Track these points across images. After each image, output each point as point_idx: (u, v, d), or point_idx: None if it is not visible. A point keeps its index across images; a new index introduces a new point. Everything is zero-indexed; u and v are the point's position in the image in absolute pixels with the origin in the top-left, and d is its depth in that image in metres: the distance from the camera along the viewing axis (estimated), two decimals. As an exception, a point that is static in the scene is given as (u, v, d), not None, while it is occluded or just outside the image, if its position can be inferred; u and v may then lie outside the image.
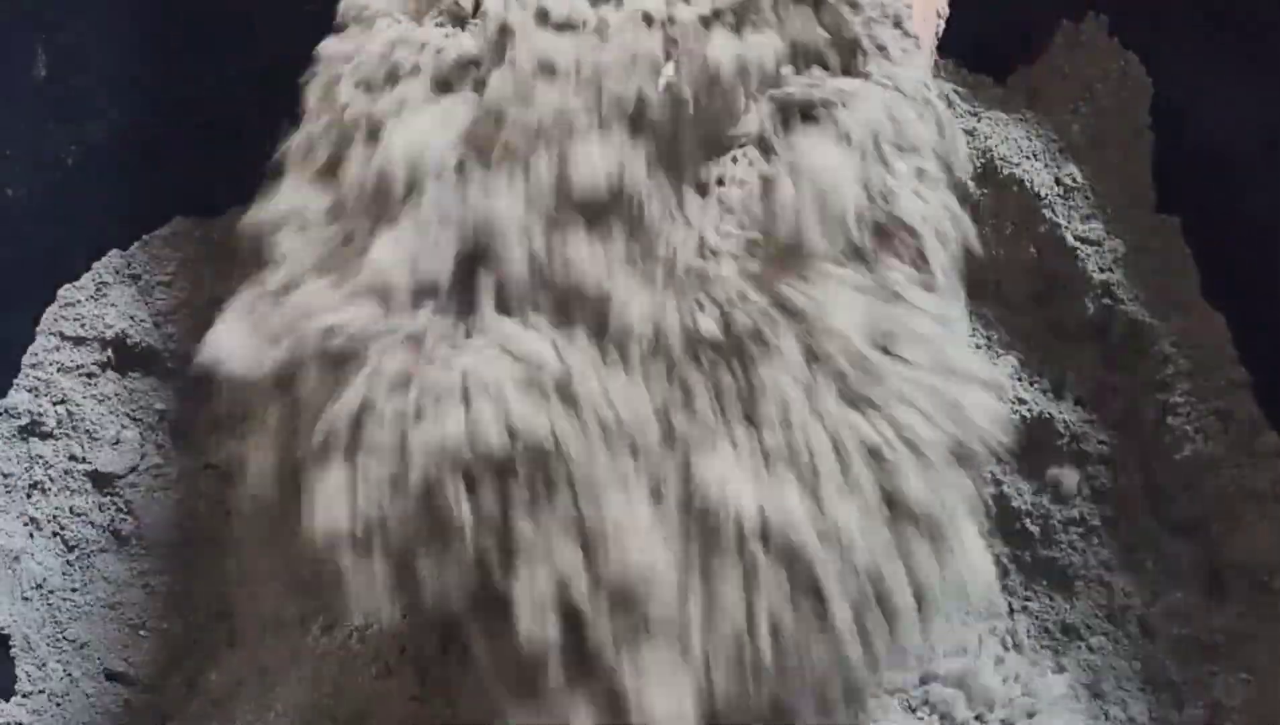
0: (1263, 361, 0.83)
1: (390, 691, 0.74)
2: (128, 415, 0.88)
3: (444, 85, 0.58)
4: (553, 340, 0.54)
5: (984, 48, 0.93)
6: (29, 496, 0.83)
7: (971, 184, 0.86)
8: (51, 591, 0.82)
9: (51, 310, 0.86)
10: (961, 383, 0.55)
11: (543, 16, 0.57)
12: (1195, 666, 0.78)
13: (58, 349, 0.86)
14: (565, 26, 0.57)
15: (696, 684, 0.51)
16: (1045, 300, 0.88)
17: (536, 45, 0.56)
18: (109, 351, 0.87)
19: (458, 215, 0.55)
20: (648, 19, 0.56)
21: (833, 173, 0.55)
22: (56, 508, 0.84)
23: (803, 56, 0.58)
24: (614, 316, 0.54)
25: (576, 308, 0.55)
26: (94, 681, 0.79)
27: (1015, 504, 0.84)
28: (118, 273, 0.89)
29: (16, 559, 0.81)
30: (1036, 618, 0.80)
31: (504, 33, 0.57)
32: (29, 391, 0.84)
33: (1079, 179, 0.86)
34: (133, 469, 0.87)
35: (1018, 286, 0.87)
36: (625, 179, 0.55)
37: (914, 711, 0.74)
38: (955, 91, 0.90)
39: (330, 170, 0.59)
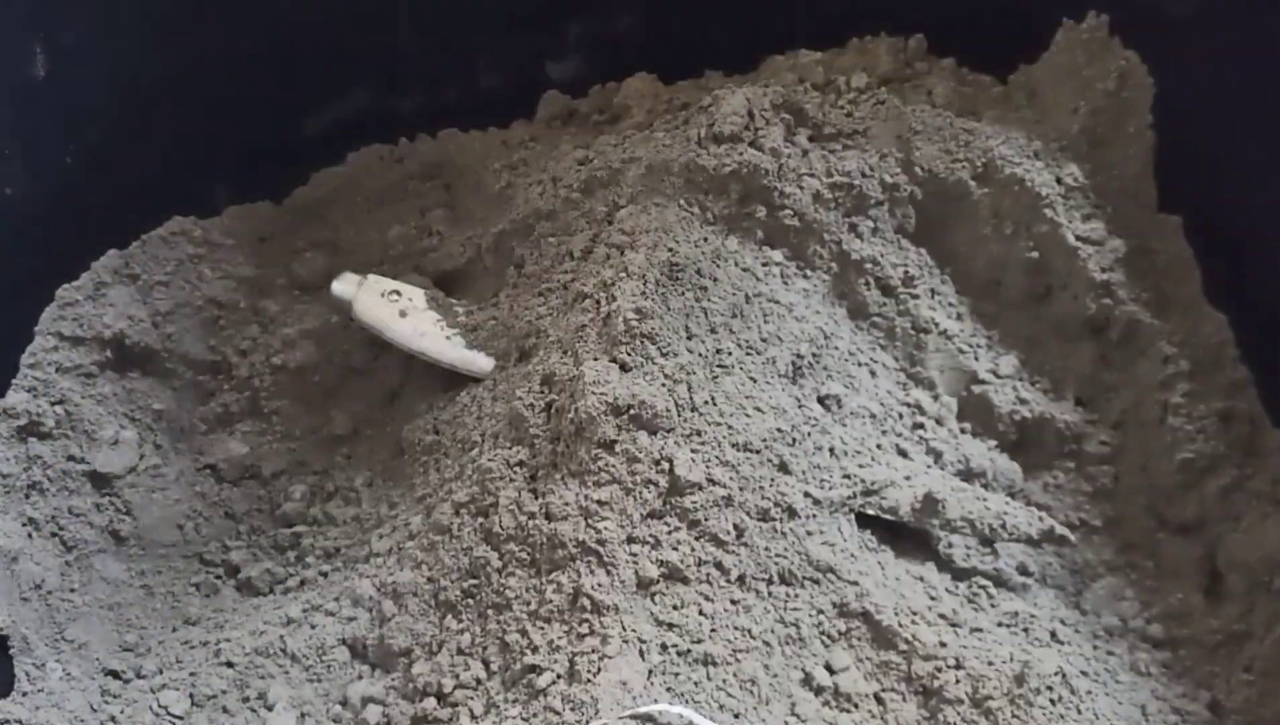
0: (1263, 361, 0.83)
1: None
2: (126, 415, 0.88)
3: None
4: None
5: (984, 47, 0.93)
6: (27, 497, 0.83)
7: (972, 183, 0.86)
8: (50, 592, 0.81)
9: (50, 310, 0.86)
10: None
11: None
12: (1195, 666, 0.78)
13: (56, 349, 0.86)
14: None
15: None
16: (1045, 300, 0.88)
17: None
18: (107, 351, 0.87)
19: None
20: None
21: None
22: (55, 508, 0.84)
23: None
24: None
25: None
26: (93, 681, 0.79)
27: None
28: (116, 272, 0.89)
29: (15, 559, 0.80)
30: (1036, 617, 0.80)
31: None
32: (27, 392, 0.84)
33: (1079, 179, 0.86)
34: (131, 469, 0.87)
35: (1018, 286, 0.87)
36: None
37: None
38: (956, 90, 0.90)
39: None
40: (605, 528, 0.73)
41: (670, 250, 0.80)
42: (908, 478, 0.80)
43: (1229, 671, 0.78)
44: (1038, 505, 0.84)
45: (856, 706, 0.72)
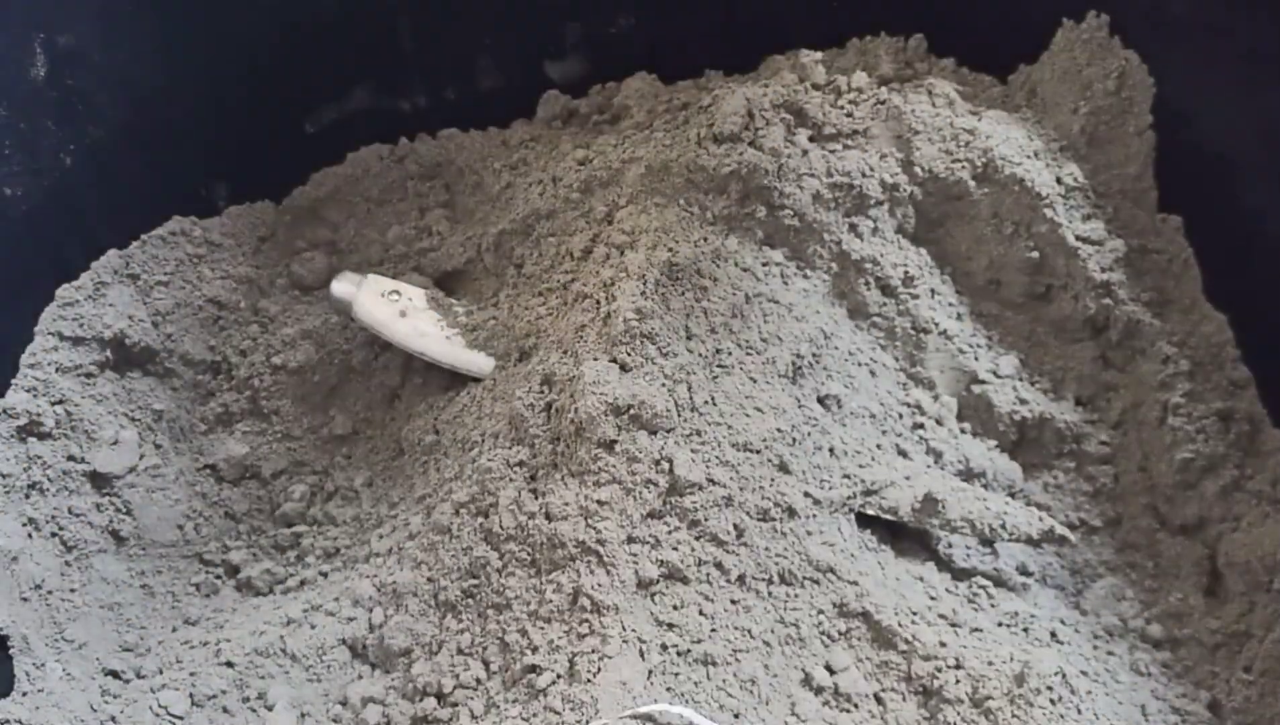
0: (1263, 361, 0.83)
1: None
2: (126, 415, 0.88)
3: None
4: None
5: (984, 47, 0.93)
6: (27, 497, 0.83)
7: (972, 183, 0.86)
8: (50, 592, 0.81)
9: (50, 310, 0.86)
10: None
11: None
12: (1195, 666, 0.78)
13: (56, 349, 0.86)
14: None
15: None
16: (1045, 300, 0.88)
17: None
18: (107, 351, 0.87)
19: None
20: None
21: None
22: (55, 508, 0.83)
23: None
24: None
25: None
26: (93, 681, 0.79)
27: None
28: (116, 272, 0.89)
29: (15, 559, 0.80)
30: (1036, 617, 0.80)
31: None
32: (27, 391, 0.84)
33: (1079, 179, 0.86)
34: (131, 469, 0.87)
35: (1018, 286, 0.87)
36: None
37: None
38: (956, 90, 0.90)
39: None
40: (605, 528, 0.73)
41: (670, 250, 0.80)
42: (908, 478, 0.80)
43: (1229, 671, 0.78)
44: (1038, 505, 0.84)
45: (856, 706, 0.72)
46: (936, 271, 0.88)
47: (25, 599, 0.80)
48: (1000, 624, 0.78)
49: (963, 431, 0.86)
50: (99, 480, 0.86)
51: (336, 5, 0.95)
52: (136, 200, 0.91)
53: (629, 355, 0.77)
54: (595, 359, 0.77)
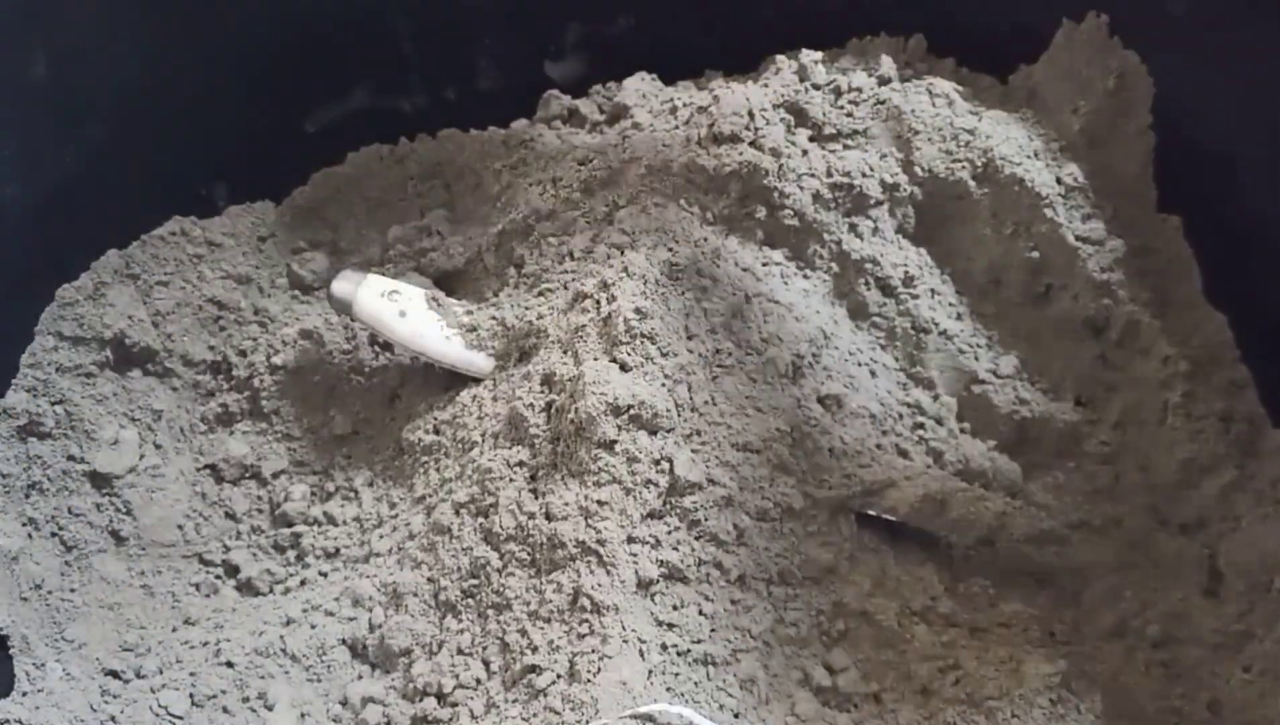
0: (1263, 361, 0.83)
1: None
2: (126, 415, 0.88)
3: None
4: None
5: (984, 47, 0.93)
6: (27, 497, 0.83)
7: (972, 183, 0.86)
8: (50, 592, 0.81)
9: (50, 310, 0.86)
10: None
11: None
12: (1195, 666, 0.78)
13: (56, 349, 0.86)
14: None
15: None
16: (1045, 300, 0.88)
17: None
18: (107, 351, 0.87)
19: None
20: None
21: None
22: (55, 508, 0.84)
23: None
24: None
25: None
26: (93, 681, 0.79)
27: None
28: (116, 272, 0.89)
29: (15, 559, 0.81)
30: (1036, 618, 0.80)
31: None
32: (27, 391, 0.84)
33: (1079, 179, 0.86)
34: (131, 469, 0.87)
35: (1018, 286, 0.87)
36: None
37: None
38: (956, 90, 0.90)
39: None
40: (605, 528, 0.73)
41: (670, 250, 0.80)
42: (908, 478, 0.80)
43: (1229, 671, 0.78)
44: (1037, 505, 0.84)
45: (856, 706, 0.72)
46: (936, 271, 0.88)
47: (25, 599, 0.80)
48: (1000, 624, 0.78)
49: (963, 431, 0.86)
50: (99, 480, 0.86)
51: (336, 5, 0.95)
52: (136, 200, 0.91)
53: (629, 355, 0.77)
54: (595, 359, 0.77)
